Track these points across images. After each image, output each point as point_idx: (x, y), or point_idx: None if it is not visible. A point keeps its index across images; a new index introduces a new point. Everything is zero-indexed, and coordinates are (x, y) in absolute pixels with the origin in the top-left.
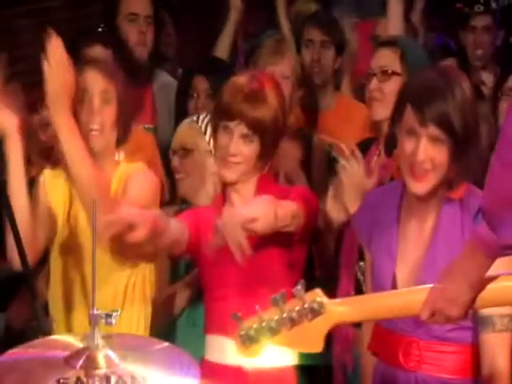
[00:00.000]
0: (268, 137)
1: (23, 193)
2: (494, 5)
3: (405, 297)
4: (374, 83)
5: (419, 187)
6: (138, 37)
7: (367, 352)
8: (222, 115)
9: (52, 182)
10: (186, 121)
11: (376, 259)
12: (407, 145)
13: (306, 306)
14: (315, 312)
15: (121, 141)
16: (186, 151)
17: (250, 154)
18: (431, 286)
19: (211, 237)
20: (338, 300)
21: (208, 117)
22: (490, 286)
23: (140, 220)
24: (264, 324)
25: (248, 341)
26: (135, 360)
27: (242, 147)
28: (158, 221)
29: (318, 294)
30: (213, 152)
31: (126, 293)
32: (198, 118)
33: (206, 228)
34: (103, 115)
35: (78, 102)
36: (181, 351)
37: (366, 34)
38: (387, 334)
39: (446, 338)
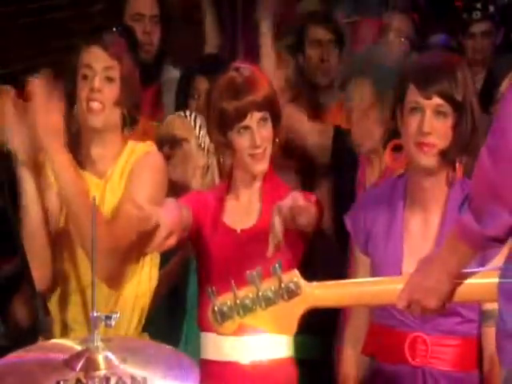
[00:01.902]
0: (276, 110)
1: (39, 218)
2: (491, 9)
3: (383, 285)
4: None
5: (428, 160)
6: (142, 37)
7: (348, 348)
8: (234, 120)
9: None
10: (173, 117)
11: (379, 259)
12: (412, 122)
13: (282, 285)
14: (291, 292)
15: (127, 121)
16: (179, 145)
17: (269, 134)
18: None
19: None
20: (315, 283)
21: (192, 111)
22: (470, 281)
23: (163, 220)
24: (238, 301)
25: (221, 317)
26: (135, 363)
27: (262, 132)
28: (176, 215)
29: (296, 275)
30: (204, 147)
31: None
32: (184, 113)
33: (205, 215)
34: (104, 92)
35: (81, 78)
36: (181, 354)
37: (371, 31)
38: (389, 332)
39: (453, 331)
